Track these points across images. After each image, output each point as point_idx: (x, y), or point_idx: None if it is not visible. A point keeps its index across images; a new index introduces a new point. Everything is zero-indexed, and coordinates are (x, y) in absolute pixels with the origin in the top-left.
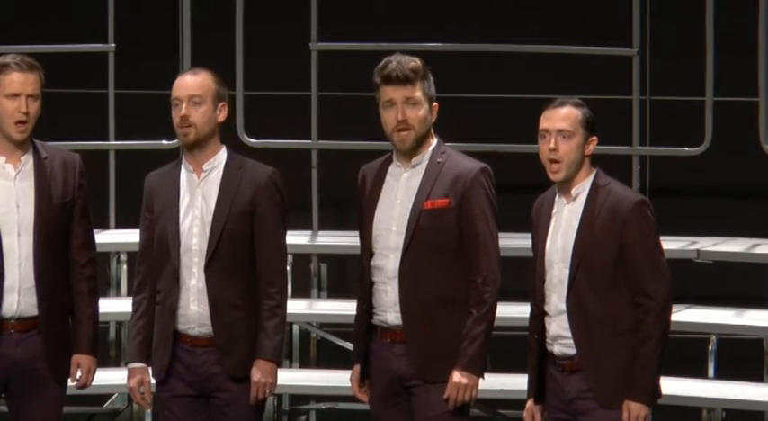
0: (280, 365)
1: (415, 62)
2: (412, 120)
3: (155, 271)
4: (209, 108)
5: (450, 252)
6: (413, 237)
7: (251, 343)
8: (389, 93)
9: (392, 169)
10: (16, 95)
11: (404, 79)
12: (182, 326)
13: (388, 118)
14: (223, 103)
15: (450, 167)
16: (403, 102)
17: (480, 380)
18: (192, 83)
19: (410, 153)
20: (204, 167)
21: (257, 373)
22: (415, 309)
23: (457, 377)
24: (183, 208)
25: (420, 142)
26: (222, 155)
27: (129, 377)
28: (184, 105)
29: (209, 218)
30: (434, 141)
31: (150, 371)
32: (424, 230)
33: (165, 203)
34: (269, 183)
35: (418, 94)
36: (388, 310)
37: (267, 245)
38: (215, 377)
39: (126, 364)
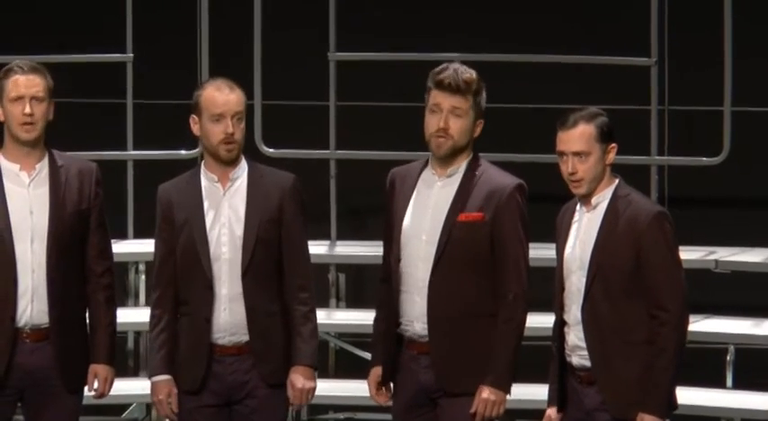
0: (317, 370)
1: (471, 74)
2: (452, 131)
3: (180, 282)
4: (244, 124)
5: (480, 265)
6: (445, 248)
7: (285, 349)
8: (438, 97)
9: (426, 175)
10: (20, 98)
11: (455, 88)
12: (212, 336)
13: (431, 122)
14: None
15: (485, 181)
16: (449, 110)
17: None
18: (235, 99)
19: (446, 162)
20: (231, 177)
21: (299, 379)
22: (443, 320)
23: (485, 393)
24: (210, 218)
25: (456, 153)
26: (244, 163)
27: (157, 390)
28: (230, 122)
29: (239, 226)
30: (471, 154)
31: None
32: (456, 243)
33: (189, 214)
34: (294, 189)
35: (466, 105)
36: (416, 321)
37: (296, 250)
38: (245, 385)
39: (150, 377)
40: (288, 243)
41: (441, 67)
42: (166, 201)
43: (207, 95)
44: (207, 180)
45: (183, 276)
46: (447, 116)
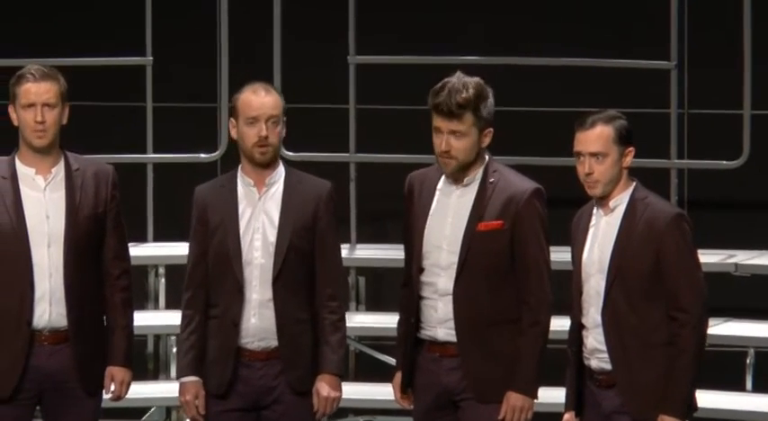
0: (343, 380)
1: (466, 93)
2: (455, 151)
3: (210, 285)
4: (282, 127)
5: (503, 272)
6: (466, 258)
7: (313, 356)
8: (437, 121)
9: (443, 185)
10: (32, 105)
11: (449, 114)
12: (241, 340)
13: (436, 142)
14: (284, 118)
15: (502, 187)
16: (449, 133)
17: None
18: (270, 102)
19: (458, 176)
20: (267, 182)
21: (325, 388)
22: (469, 328)
23: (514, 399)
24: (244, 222)
25: (466, 168)
26: (281, 168)
27: (185, 391)
28: (263, 125)
29: (273, 232)
30: (486, 158)
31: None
32: (477, 252)
33: (224, 217)
34: (329, 197)
35: (464, 127)
36: (438, 327)
37: (329, 258)
38: (273, 390)
39: (178, 379)
40: (321, 251)
41: (438, 86)
42: (202, 203)
43: (243, 98)
44: (243, 184)
45: (214, 279)
46: (448, 139)
